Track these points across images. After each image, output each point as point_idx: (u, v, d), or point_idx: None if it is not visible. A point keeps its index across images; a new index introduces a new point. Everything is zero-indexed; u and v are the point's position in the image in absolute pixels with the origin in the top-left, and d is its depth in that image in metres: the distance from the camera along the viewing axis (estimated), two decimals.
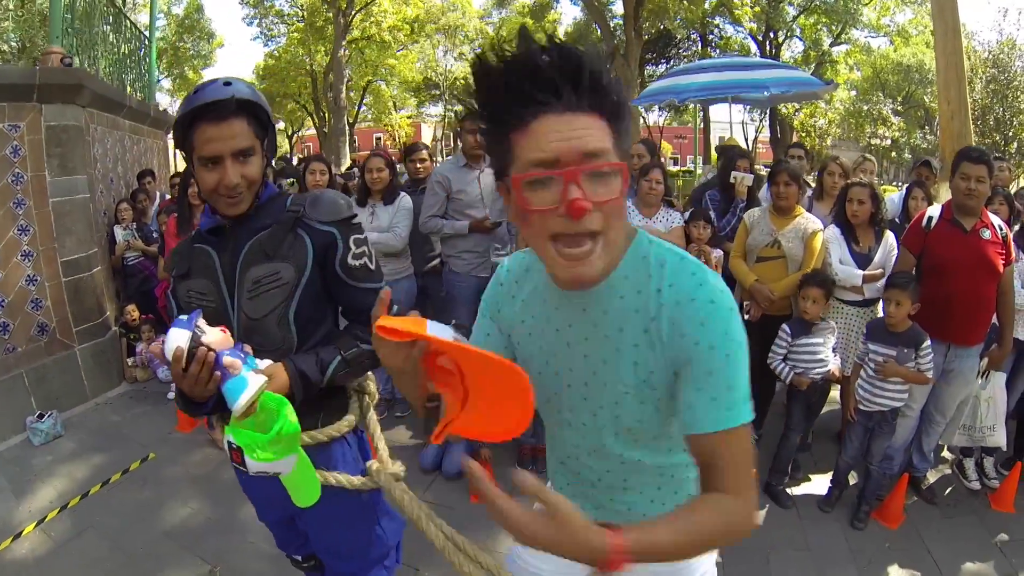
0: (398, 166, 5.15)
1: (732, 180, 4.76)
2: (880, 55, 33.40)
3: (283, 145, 41.94)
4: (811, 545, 3.40)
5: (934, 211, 3.90)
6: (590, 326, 1.25)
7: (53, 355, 5.10)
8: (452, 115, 35.61)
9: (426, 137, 37.68)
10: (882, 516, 3.64)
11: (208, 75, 35.55)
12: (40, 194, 5.03)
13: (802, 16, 29.97)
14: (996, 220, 3.79)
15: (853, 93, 34.45)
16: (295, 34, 30.46)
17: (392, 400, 4.80)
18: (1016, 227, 4.33)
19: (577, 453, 1.37)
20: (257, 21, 30.90)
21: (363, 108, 34.79)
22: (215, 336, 1.57)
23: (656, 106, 27.19)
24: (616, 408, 1.26)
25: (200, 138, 1.64)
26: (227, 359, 1.55)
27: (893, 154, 32.38)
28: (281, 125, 40.10)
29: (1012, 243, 3.80)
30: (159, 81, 30.27)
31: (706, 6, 23.40)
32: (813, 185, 5.30)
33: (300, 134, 40.85)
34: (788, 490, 3.92)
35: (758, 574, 3.16)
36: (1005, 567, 3.24)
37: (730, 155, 5.14)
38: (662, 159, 5.08)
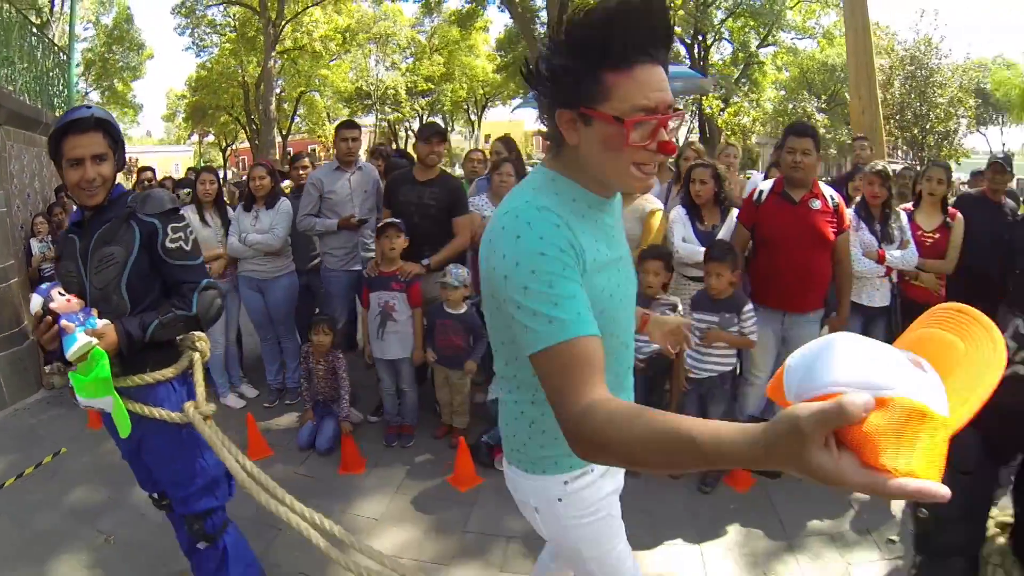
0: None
1: None
2: (807, 56, 34.73)
3: (217, 158, 41.37)
4: (651, 509, 3.54)
5: (765, 185, 4.04)
6: (616, 220, 1.60)
7: None
8: (385, 123, 35.75)
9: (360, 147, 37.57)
10: (732, 480, 3.80)
11: (138, 87, 34.59)
12: None
13: (730, 19, 30.97)
14: (828, 191, 3.94)
15: (782, 93, 35.78)
16: (227, 45, 29.79)
17: (283, 389, 5.24)
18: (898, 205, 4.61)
19: (619, 361, 1.61)
20: (189, 31, 30.11)
21: (297, 119, 34.37)
22: (60, 302, 2.13)
23: None
24: (635, 275, 1.68)
25: (67, 146, 2.21)
26: (63, 322, 2.09)
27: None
28: (211, 138, 39.47)
29: (845, 212, 3.93)
30: (87, 94, 29.45)
31: None
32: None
33: (234, 147, 39.93)
34: None
35: None
36: (860, 524, 3.40)
37: None
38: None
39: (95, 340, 2.09)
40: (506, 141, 5.63)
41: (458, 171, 12.10)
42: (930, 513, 1.26)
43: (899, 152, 34.39)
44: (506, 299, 1.32)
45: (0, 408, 5.38)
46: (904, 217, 4.48)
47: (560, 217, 1.36)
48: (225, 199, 5.55)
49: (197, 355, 2.47)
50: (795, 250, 3.77)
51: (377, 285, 4.35)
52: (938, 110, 25.56)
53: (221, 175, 35.32)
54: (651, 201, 4.41)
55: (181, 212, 2.43)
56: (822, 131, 30.51)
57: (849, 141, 29.73)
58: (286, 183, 6.15)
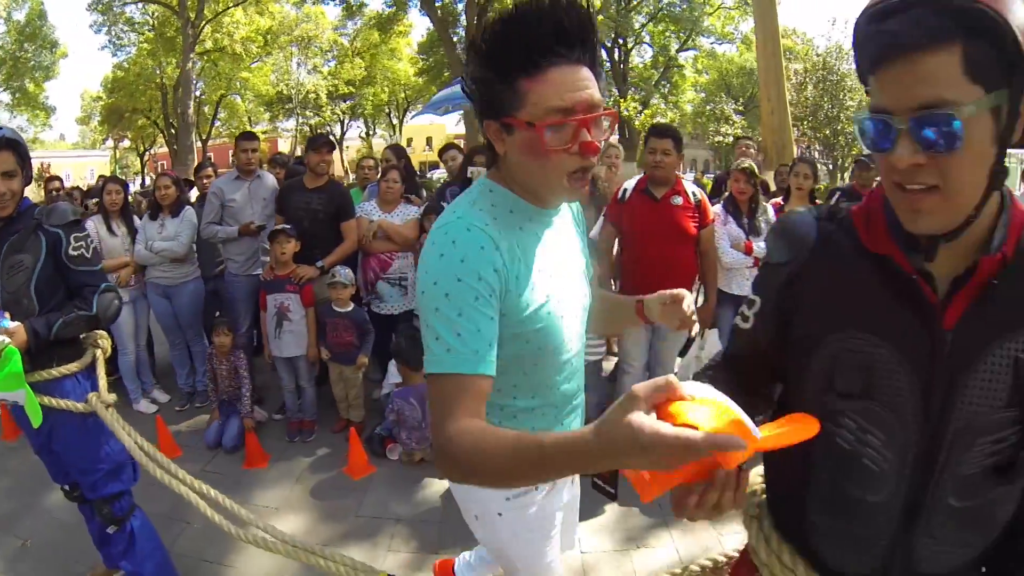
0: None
1: (469, 175, 5.09)
2: (726, 60, 35.89)
3: (134, 164, 40.10)
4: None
5: (630, 184, 4.20)
6: (565, 227, 1.58)
7: None
8: (307, 128, 34.81)
9: (283, 151, 36.76)
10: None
11: (51, 88, 32.81)
12: None
13: (651, 24, 31.76)
14: (691, 187, 4.16)
15: (701, 95, 36.88)
16: (145, 45, 28.74)
17: (193, 393, 5.40)
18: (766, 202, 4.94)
19: (566, 376, 1.60)
20: (106, 29, 28.86)
21: (217, 123, 33.47)
22: None
23: None
24: (589, 289, 1.64)
25: None
26: None
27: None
28: (127, 143, 38.13)
29: (708, 207, 4.17)
30: None
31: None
32: None
33: (152, 152, 38.77)
34: None
35: None
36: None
37: (469, 152, 5.68)
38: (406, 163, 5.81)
39: (7, 339, 2.32)
40: (395, 149, 5.90)
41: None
42: None
43: (814, 151, 35.90)
44: (422, 311, 1.32)
45: None
46: (771, 211, 4.78)
47: (489, 236, 1.33)
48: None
49: (99, 351, 2.72)
50: (658, 244, 3.98)
51: (272, 288, 4.60)
52: (848, 112, 26.52)
53: (139, 181, 33.56)
54: None
55: (83, 223, 2.69)
56: (739, 131, 31.64)
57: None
58: (195, 192, 6.31)
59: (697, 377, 1.30)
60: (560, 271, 1.51)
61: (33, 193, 2.76)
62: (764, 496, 1.37)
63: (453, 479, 1.23)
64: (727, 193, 5.04)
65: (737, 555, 1.52)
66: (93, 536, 2.84)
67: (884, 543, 1.15)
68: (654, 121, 33.04)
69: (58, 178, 7.90)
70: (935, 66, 0.89)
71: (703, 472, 0.93)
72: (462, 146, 7.21)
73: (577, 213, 1.70)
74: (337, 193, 4.99)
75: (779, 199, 5.23)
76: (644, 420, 0.85)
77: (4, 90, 29.12)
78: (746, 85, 33.91)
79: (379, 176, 5.35)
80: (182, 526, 3.51)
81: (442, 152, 6.48)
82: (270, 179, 5.29)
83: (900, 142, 0.94)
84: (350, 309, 4.59)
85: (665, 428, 0.84)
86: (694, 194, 4.14)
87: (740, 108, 35.20)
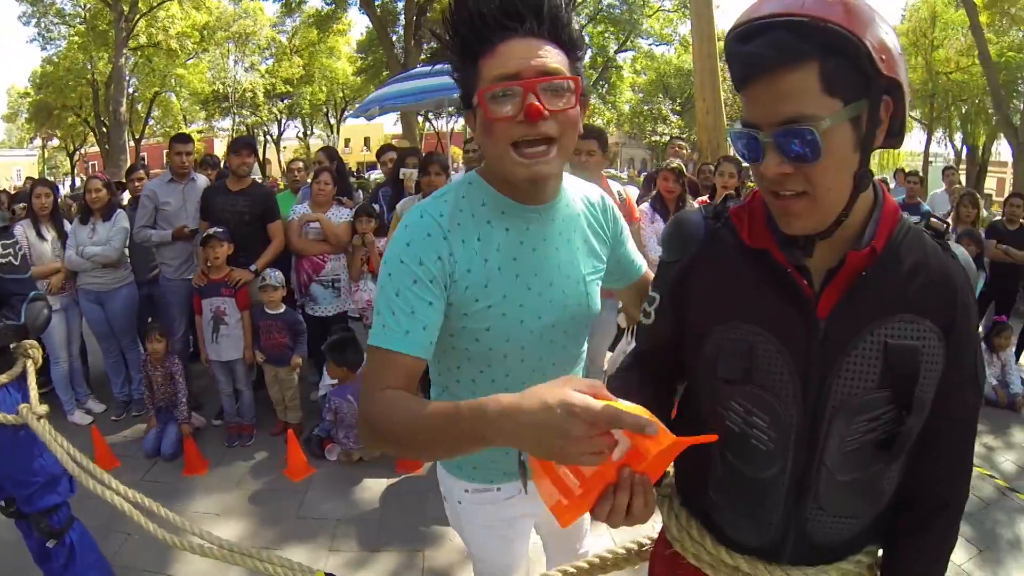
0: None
1: (401, 177, 5.27)
2: (664, 61, 36.46)
3: (64, 164, 38.76)
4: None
5: None
6: (557, 234, 1.47)
7: None
8: (244, 127, 33.89)
9: (219, 151, 35.84)
10: None
11: None
12: None
13: (590, 25, 32.03)
14: (616, 186, 4.28)
15: (639, 95, 37.42)
16: (76, 38, 27.52)
17: (129, 401, 5.31)
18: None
19: (545, 375, 1.38)
20: (35, 21, 27.48)
21: (152, 122, 32.53)
22: None
23: (444, 112, 27.78)
24: (586, 300, 1.53)
25: None
26: None
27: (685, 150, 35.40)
28: (56, 142, 36.90)
29: (633, 206, 4.30)
30: None
31: None
32: None
33: (83, 151, 37.23)
34: None
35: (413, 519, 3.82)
36: None
37: (401, 154, 5.84)
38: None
39: None
40: (328, 151, 5.93)
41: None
42: None
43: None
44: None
45: None
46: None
47: (438, 224, 1.35)
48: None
49: (30, 362, 2.69)
50: None
51: (208, 292, 4.59)
52: None
53: (69, 183, 32.39)
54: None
55: (11, 230, 2.66)
56: (676, 131, 32.17)
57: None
58: (127, 194, 6.20)
59: (612, 379, 1.41)
60: (534, 275, 1.44)
61: None
62: (674, 477, 1.48)
63: (367, 443, 1.24)
64: (655, 192, 5.18)
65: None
66: (33, 553, 2.78)
67: (778, 516, 1.23)
68: (590, 120, 33.54)
69: None
70: (794, 83, 0.97)
71: (611, 475, 0.99)
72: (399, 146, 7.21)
73: (603, 214, 1.62)
74: (261, 195, 5.06)
75: (705, 197, 5.37)
76: (576, 392, 0.94)
77: None
78: (684, 86, 34.51)
79: (311, 178, 5.36)
80: (122, 538, 3.48)
81: (380, 153, 6.53)
82: (203, 181, 5.25)
83: (768, 154, 1.02)
84: (282, 311, 4.62)
85: (594, 400, 0.92)
86: (620, 193, 4.29)
87: (677, 108, 35.91)
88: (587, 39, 1.45)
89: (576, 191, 1.57)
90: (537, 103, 1.23)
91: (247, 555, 1.92)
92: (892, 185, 10.18)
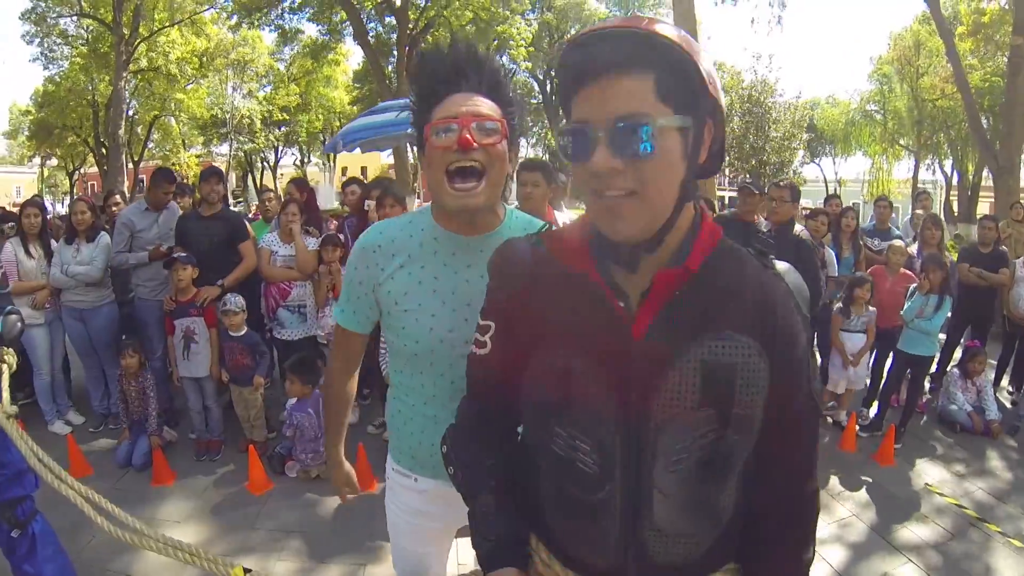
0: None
1: (365, 208, 5.53)
2: None
3: (64, 183, 38.93)
4: None
5: None
6: (486, 264, 1.51)
7: None
8: (241, 154, 34.49)
9: None
10: None
11: None
12: None
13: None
14: (563, 217, 4.50)
15: None
16: (78, 59, 27.76)
17: (107, 415, 5.53)
18: None
19: (458, 385, 1.55)
20: (38, 41, 27.56)
21: (151, 145, 32.63)
22: None
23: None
24: None
25: None
26: None
27: None
28: (55, 162, 37.19)
29: None
30: None
31: (483, 48, 24.20)
32: None
33: (82, 171, 37.61)
34: None
35: (362, 534, 3.96)
36: None
37: (365, 187, 6.13)
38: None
39: None
40: (298, 182, 6.25)
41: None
42: (447, 456, 1.42)
43: (742, 180, 37.05)
44: None
45: None
46: None
47: (375, 241, 1.72)
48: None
49: (4, 367, 2.92)
50: None
51: (178, 314, 4.87)
52: (773, 143, 27.49)
53: (67, 201, 32.47)
54: None
55: None
56: None
57: None
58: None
59: (452, 427, 1.46)
60: (451, 293, 1.68)
61: None
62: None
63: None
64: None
65: None
66: (1, 545, 2.98)
67: (615, 538, 1.21)
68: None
69: None
70: (631, 85, 1.01)
71: None
72: (392, 176, 7.41)
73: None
74: (231, 218, 5.46)
75: None
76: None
77: None
78: None
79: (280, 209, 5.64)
80: (89, 537, 3.69)
81: (344, 186, 6.86)
82: (176, 208, 5.62)
83: (598, 149, 1.02)
84: (243, 333, 4.85)
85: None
86: (565, 224, 4.45)
87: None
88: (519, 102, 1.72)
89: (522, 227, 1.73)
90: (468, 136, 1.52)
91: (178, 548, 2.16)
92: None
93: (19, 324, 2.88)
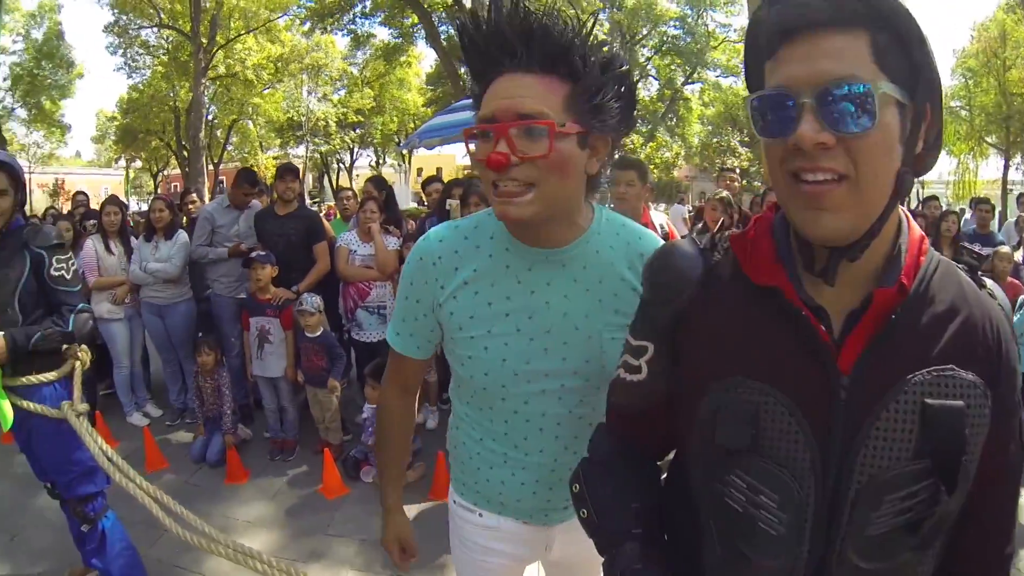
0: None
1: (447, 207, 5.31)
2: (732, 92, 36.11)
3: (148, 183, 40.54)
4: None
5: None
6: (570, 281, 1.37)
7: None
8: (317, 155, 35.22)
9: None
10: None
11: (67, 106, 32.59)
12: None
13: (656, 57, 32.11)
14: (659, 219, 4.29)
15: (708, 128, 37.09)
16: (159, 68, 29.06)
17: (184, 409, 5.57)
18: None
19: (534, 424, 1.44)
20: (122, 51, 29.07)
21: (230, 147, 33.66)
22: None
23: None
24: (599, 356, 1.38)
25: None
26: None
27: (744, 182, 34.85)
28: (139, 164, 38.83)
29: (675, 237, 4.23)
30: (13, 110, 28.67)
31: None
32: None
33: (165, 172, 39.30)
34: None
35: (439, 548, 3.84)
36: None
37: (447, 186, 6.02)
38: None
39: None
40: (376, 180, 6.15)
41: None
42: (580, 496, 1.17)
43: None
44: None
45: None
46: None
47: (432, 251, 1.42)
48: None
49: (78, 363, 2.91)
50: None
51: (254, 311, 4.83)
52: None
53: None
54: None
55: (66, 246, 2.92)
56: (746, 164, 31.71)
57: None
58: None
59: (586, 462, 1.21)
60: (528, 318, 1.38)
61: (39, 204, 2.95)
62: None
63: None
64: (700, 223, 5.17)
65: None
66: (73, 534, 3.00)
67: None
68: (658, 153, 33.40)
69: (83, 193, 8.90)
70: (844, 43, 0.82)
71: None
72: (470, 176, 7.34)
73: (582, 259, 1.40)
74: (306, 217, 5.38)
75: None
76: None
77: (21, 106, 29.43)
78: None
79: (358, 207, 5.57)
80: (160, 532, 3.59)
81: (425, 185, 6.75)
82: (257, 205, 5.62)
83: (804, 118, 0.83)
84: (319, 334, 4.76)
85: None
86: (662, 226, 4.31)
87: (746, 140, 35.36)
88: (653, 71, 1.36)
89: (620, 240, 1.42)
90: (500, 152, 1.20)
91: (248, 555, 2.05)
92: (968, 216, 9.33)
93: (91, 322, 2.88)
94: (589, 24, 1.24)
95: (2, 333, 2.60)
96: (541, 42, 1.20)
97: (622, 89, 1.27)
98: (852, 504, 0.91)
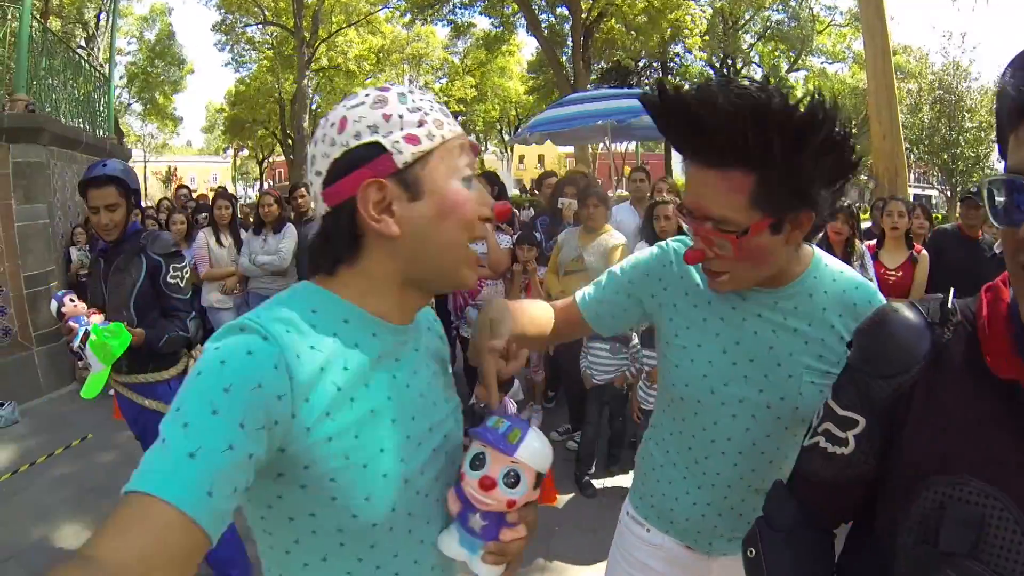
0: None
1: (560, 206, 5.25)
2: (838, 80, 34.63)
3: (254, 171, 42.25)
4: (597, 528, 3.69)
5: None
6: (780, 318, 1.38)
7: (14, 355, 6.02)
8: None
9: None
10: None
11: (178, 100, 34.34)
12: (7, 219, 5.99)
13: (759, 43, 31.09)
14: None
15: None
16: (264, 62, 30.13)
17: None
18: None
19: (718, 446, 1.45)
20: (229, 48, 30.34)
21: None
22: (68, 306, 2.83)
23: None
24: (798, 399, 1.37)
25: (89, 196, 2.88)
26: (71, 323, 2.77)
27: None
28: (246, 152, 40.55)
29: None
30: (130, 104, 30.72)
31: (657, 37, 23.60)
32: None
33: (271, 160, 40.87)
34: (597, 481, 4.32)
35: (536, 551, 3.60)
36: None
37: (559, 184, 5.90)
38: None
39: (86, 328, 2.73)
40: (488, 176, 6.16)
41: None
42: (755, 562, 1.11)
43: (932, 178, 33.67)
44: None
45: (37, 396, 6.06)
46: (867, 254, 4.50)
47: (671, 260, 1.48)
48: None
49: (192, 361, 3.12)
50: None
51: None
52: (968, 134, 24.67)
53: (258, 187, 35.72)
54: (615, 236, 4.59)
55: (182, 254, 3.13)
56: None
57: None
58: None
59: (774, 543, 1.12)
60: (740, 355, 1.42)
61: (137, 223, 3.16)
62: None
63: None
64: (820, 234, 4.85)
65: None
66: None
67: None
68: None
69: (185, 186, 9.45)
70: None
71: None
72: (573, 166, 7.28)
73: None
74: None
75: (873, 242, 4.87)
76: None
77: (136, 101, 31.87)
78: (859, 106, 32.47)
79: None
80: None
81: (541, 178, 6.69)
82: None
83: None
84: None
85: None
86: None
87: (853, 131, 33.79)
88: (756, 58, 1.29)
89: (835, 287, 1.42)
90: (694, 250, 1.27)
91: None
92: None
93: (201, 327, 3.11)
94: (771, 101, 1.09)
95: (141, 329, 2.83)
96: (712, 137, 1.13)
97: (823, 156, 1.14)
98: None
